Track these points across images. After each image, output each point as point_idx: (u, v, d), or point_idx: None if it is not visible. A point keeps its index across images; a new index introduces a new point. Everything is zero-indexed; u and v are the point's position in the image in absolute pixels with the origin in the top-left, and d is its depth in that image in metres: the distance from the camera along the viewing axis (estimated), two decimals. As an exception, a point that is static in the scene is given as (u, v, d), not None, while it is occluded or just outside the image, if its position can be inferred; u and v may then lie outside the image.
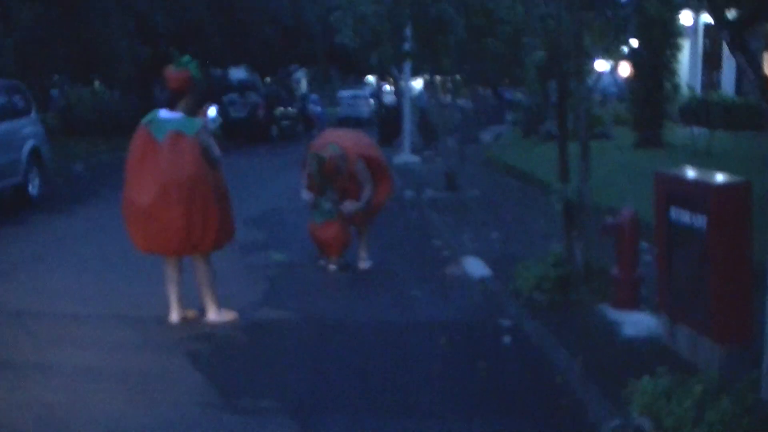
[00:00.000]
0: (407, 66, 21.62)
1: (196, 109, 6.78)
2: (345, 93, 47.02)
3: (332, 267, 9.12)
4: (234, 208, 7.25)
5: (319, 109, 38.18)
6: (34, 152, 14.80)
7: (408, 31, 16.02)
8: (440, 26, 15.23)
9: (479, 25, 15.68)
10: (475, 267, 9.03)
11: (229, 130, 31.60)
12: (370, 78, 62.54)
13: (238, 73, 46.08)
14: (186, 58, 6.74)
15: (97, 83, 34.25)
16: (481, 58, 16.87)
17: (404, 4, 14.76)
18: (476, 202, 14.01)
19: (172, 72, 6.83)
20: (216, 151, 6.87)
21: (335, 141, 8.93)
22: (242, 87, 34.68)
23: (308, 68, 54.47)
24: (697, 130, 17.42)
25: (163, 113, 6.81)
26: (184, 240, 6.73)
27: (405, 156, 22.04)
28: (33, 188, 14.68)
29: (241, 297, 7.94)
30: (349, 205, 8.88)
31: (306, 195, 9.10)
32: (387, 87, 48.43)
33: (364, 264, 9.33)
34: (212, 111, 6.96)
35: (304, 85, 61.80)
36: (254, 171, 20.51)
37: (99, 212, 13.07)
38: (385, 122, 28.86)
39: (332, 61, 44.02)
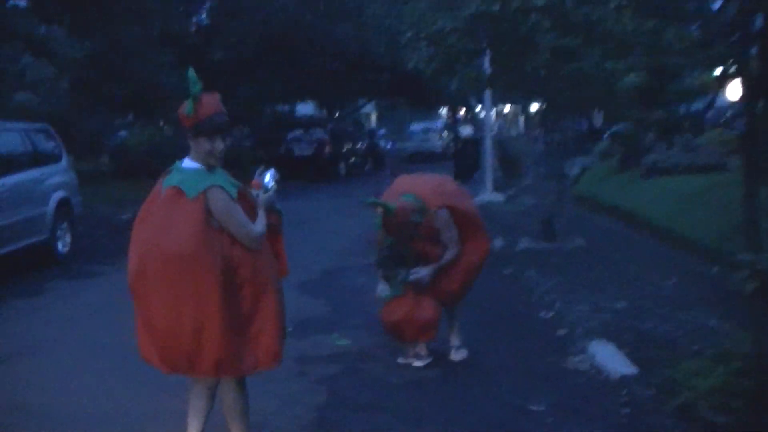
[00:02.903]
0: (487, 93, 19.35)
1: (204, 156, 4.47)
2: (416, 126, 44.82)
3: (417, 363, 6.80)
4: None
5: (389, 144, 35.91)
6: (64, 204, 12.82)
7: (487, 53, 13.81)
8: (528, 46, 12.96)
9: (572, 44, 13.37)
10: (609, 358, 6.61)
11: (293, 168, 29.74)
12: (442, 110, 60.49)
13: (305, 109, 44.55)
14: (190, 76, 4.42)
15: (162, 123, 32.83)
16: (573, 83, 14.50)
17: (486, 18, 12.49)
18: (583, 254, 11.53)
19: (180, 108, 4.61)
20: (249, 226, 4.51)
21: (410, 189, 6.64)
22: (307, 123, 32.85)
23: (376, 101, 52.54)
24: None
25: (184, 161, 4.56)
26: (174, 348, 4.44)
27: (487, 195, 19.65)
28: (62, 246, 12.69)
29: (284, 418, 5.69)
30: (422, 271, 6.57)
31: (381, 288, 6.86)
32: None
33: (456, 354, 6.99)
34: (268, 176, 4.57)
35: (373, 120, 59.92)
36: (316, 216, 18.28)
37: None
38: (462, 157, 26.47)
39: (401, 92, 41.93)
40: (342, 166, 30.44)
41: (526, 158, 25.02)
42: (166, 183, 4.43)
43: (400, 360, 6.89)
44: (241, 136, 41.20)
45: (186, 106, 4.36)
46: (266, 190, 4.62)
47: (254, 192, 4.63)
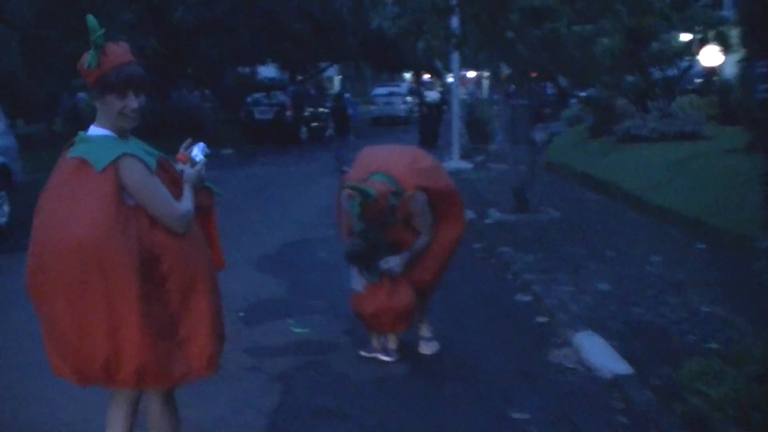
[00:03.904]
0: (455, 56, 18.55)
1: (115, 118, 3.63)
2: (380, 90, 43.94)
3: (384, 357, 6.06)
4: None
5: (352, 108, 34.95)
6: (0, 171, 11.91)
7: (457, 12, 13.04)
8: (500, 4, 12.19)
9: (547, 3, 12.62)
10: (598, 352, 5.91)
11: (254, 133, 28.82)
12: (406, 74, 59.65)
13: (267, 72, 43.41)
14: (90, 22, 3.56)
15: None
16: (545, 45, 13.80)
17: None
18: (559, 227, 10.83)
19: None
20: (174, 204, 3.71)
21: (383, 167, 5.85)
22: (268, 86, 31.86)
23: (340, 65, 51.46)
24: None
25: (93, 128, 3.73)
26: (86, 357, 3.54)
27: (454, 162, 18.88)
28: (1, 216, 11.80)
29: (231, 427, 4.93)
30: (392, 261, 5.80)
31: (357, 282, 6.05)
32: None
33: (426, 347, 6.26)
34: (196, 150, 3.68)
35: (336, 83, 58.85)
36: (276, 182, 17.43)
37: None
38: (428, 122, 25.67)
39: (365, 55, 40.98)
40: (304, 130, 29.51)
41: (493, 123, 24.33)
42: (69, 156, 3.61)
43: (364, 353, 6.15)
44: (203, 98, 40.18)
45: (87, 58, 3.54)
46: (194, 163, 3.82)
47: (180, 166, 3.81)
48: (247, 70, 39.61)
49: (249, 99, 29.73)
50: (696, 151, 13.00)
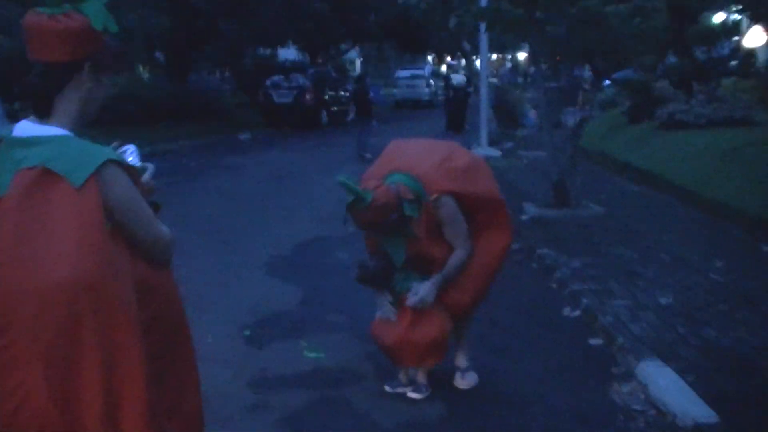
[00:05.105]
0: (484, 37, 17.48)
1: (84, 107, 2.64)
2: (403, 73, 42.76)
3: (413, 394, 5.07)
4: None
5: (375, 91, 33.82)
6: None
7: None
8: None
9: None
10: (670, 390, 4.88)
11: (272, 116, 27.82)
12: (429, 56, 58.57)
13: (287, 54, 42.42)
14: None
15: (144, 68, 30.68)
16: (579, 24, 12.79)
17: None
18: (604, 225, 9.77)
19: (37, 18, 2.68)
20: (161, 226, 2.70)
21: (406, 165, 4.79)
22: (288, 68, 30.83)
23: (361, 47, 50.32)
24: None
25: (24, 126, 2.70)
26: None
27: (482, 150, 17.81)
28: None
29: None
30: (422, 289, 4.75)
31: (384, 309, 4.99)
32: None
33: (463, 380, 5.25)
34: (131, 155, 2.57)
35: (358, 66, 57.75)
36: (295, 170, 16.42)
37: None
38: (454, 106, 24.59)
39: (388, 36, 39.85)
40: (324, 114, 28.50)
41: (523, 107, 23.26)
42: (3, 167, 2.59)
43: (389, 388, 5.15)
44: (222, 80, 39.20)
45: (96, 17, 2.58)
46: (141, 172, 2.79)
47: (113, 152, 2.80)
48: (267, 51, 38.61)
49: (268, 82, 28.72)
50: (750, 138, 11.89)
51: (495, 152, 17.88)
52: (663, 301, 6.62)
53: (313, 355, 5.83)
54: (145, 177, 2.75)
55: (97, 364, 2.45)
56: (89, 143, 2.58)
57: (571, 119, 23.55)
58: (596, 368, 5.52)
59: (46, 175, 2.48)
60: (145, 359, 2.54)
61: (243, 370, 5.48)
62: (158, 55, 30.09)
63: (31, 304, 2.42)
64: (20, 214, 2.46)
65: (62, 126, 2.59)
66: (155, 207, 2.71)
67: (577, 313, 6.68)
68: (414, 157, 4.85)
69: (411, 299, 4.73)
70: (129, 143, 2.83)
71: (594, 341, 6.04)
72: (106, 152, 2.55)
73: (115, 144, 2.83)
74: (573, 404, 4.96)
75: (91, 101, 2.65)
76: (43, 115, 2.62)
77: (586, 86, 25.06)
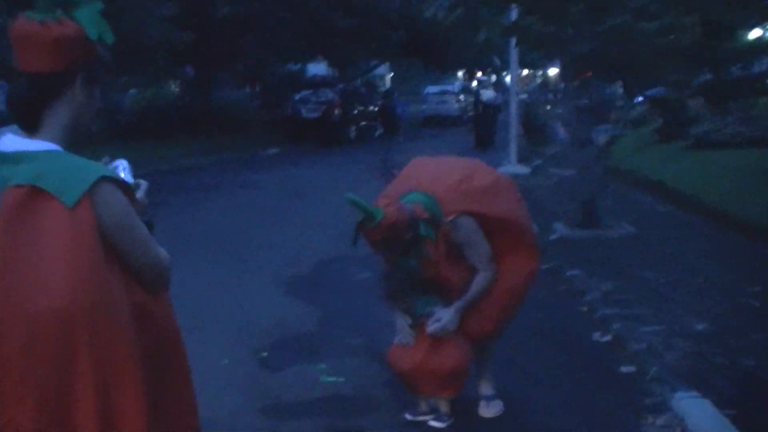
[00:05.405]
0: (513, 52, 17.24)
1: (79, 118, 2.41)
2: (432, 89, 42.53)
3: (435, 423, 4.80)
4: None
5: (401, 107, 33.61)
6: None
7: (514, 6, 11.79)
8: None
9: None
10: (710, 426, 4.60)
11: (300, 131, 27.69)
12: (459, 72, 58.40)
13: (316, 69, 42.34)
14: None
15: (175, 82, 30.77)
16: (609, 39, 12.60)
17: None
18: (635, 246, 9.47)
19: (28, 25, 2.44)
20: (159, 248, 2.47)
21: (424, 185, 4.55)
22: (316, 83, 30.69)
23: (390, 63, 50.19)
24: None
25: (10, 140, 2.46)
26: None
27: (512, 166, 17.54)
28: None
29: None
30: (445, 315, 4.50)
31: (403, 333, 4.71)
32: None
33: (488, 409, 4.98)
34: (122, 171, 2.31)
35: (387, 81, 57.64)
36: (316, 186, 16.20)
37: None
38: (483, 123, 24.31)
39: (415, 52, 39.64)
40: (352, 129, 28.33)
41: (553, 124, 22.96)
42: (11, 184, 2.35)
43: (409, 416, 4.89)
44: (250, 96, 39.16)
45: (92, 26, 2.37)
46: (135, 189, 2.55)
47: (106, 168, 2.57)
48: (295, 66, 38.54)
49: (296, 96, 28.62)
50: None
51: (524, 169, 17.60)
52: (698, 326, 6.32)
53: (330, 379, 5.59)
54: (139, 194, 2.52)
55: (93, 399, 2.22)
56: (81, 159, 2.36)
57: (601, 137, 23.22)
58: (628, 398, 5.23)
59: (36, 194, 2.25)
60: (141, 392, 2.31)
61: (256, 395, 5.25)
62: (189, 70, 30.08)
63: (20, 336, 2.20)
64: (8, 237, 2.24)
65: (52, 140, 2.37)
66: (149, 226, 2.47)
67: (608, 338, 6.38)
68: (433, 175, 4.61)
69: (432, 326, 4.48)
70: (120, 158, 2.60)
71: (625, 369, 5.74)
72: (99, 169, 2.33)
73: (105, 159, 2.60)
74: (603, 439, 4.68)
75: (82, 115, 2.43)
76: (31, 128, 2.40)
77: (618, 103, 24.78)
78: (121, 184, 2.34)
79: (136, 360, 2.28)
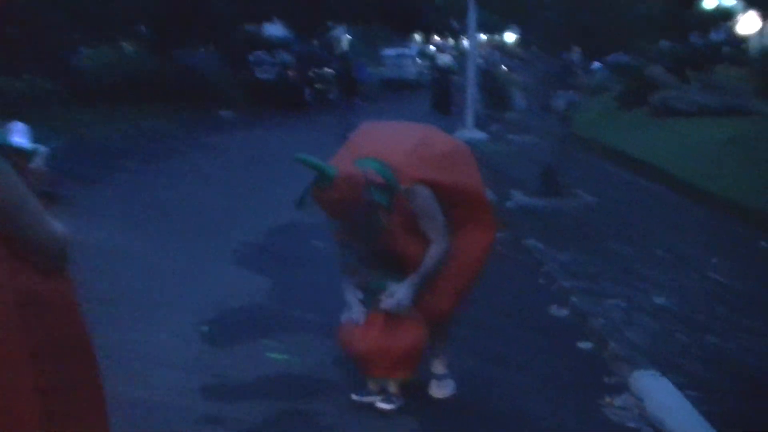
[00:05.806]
0: (473, 16, 16.93)
1: None
2: (389, 52, 42.11)
3: (383, 405, 4.54)
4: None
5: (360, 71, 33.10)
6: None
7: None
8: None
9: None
10: (669, 406, 4.39)
11: (256, 94, 27.17)
12: (416, 36, 57.85)
13: (273, 30, 41.65)
14: None
15: (125, 44, 29.95)
16: (573, 7, 12.49)
17: None
18: (596, 216, 9.28)
19: None
20: (54, 224, 2.14)
21: (377, 151, 4.26)
22: (272, 45, 30.16)
23: (349, 25, 49.59)
24: None
25: None
26: None
27: (468, 132, 17.25)
28: None
29: None
30: (399, 292, 4.23)
31: (353, 309, 4.42)
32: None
33: (439, 388, 4.73)
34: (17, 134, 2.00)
35: (344, 44, 56.99)
36: (276, 151, 15.80)
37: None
38: (440, 87, 24.02)
39: (375, 16, 39.13)
40: (308, 91, 27.91)
41: (513, 90, 22.74)
42: None
43: (356, 397, 4.63)
44: (206, 57, 38.40)
45: None
46: (30, 155, 2.23)
47: None
48: (251, 28, 37.87)
49: (251, 58, 28.10)
50: (749, 129, 11.41)
51: (481, 135, 17.34)
52: (657, 300, 6.14)
53: (277, 356, 5.30)
54: (37, 162, 2.21)
55: None
56: None
57: (561, 103, 23.04)
58: (586, 377, 5.03)
59: None
60: (38, 397, 2.00)
61: (197, 374, 4.94)
62: (142, 29, 29.33)
63: None
64: None
65: None
66: (50, 198, 2.16)
67: (566, 312, 6.18)
68: (385, 142, 4.32)
69: (387, 301, 4.21)
70: (15, 121, 2.28)
71: (583, 345, 5.54)
72: None
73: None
74: (559, 419, 4.47)
75: None
76: None
77: (576, 70, 24.51)
78: (8, 153, 2.02)
79: (23, 356, 1.96)
